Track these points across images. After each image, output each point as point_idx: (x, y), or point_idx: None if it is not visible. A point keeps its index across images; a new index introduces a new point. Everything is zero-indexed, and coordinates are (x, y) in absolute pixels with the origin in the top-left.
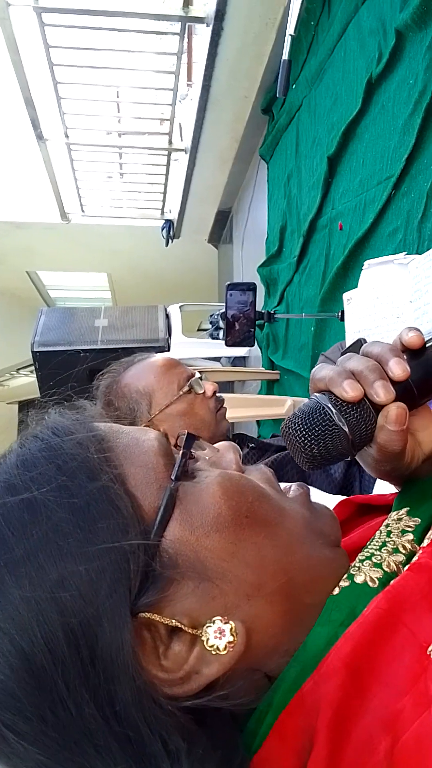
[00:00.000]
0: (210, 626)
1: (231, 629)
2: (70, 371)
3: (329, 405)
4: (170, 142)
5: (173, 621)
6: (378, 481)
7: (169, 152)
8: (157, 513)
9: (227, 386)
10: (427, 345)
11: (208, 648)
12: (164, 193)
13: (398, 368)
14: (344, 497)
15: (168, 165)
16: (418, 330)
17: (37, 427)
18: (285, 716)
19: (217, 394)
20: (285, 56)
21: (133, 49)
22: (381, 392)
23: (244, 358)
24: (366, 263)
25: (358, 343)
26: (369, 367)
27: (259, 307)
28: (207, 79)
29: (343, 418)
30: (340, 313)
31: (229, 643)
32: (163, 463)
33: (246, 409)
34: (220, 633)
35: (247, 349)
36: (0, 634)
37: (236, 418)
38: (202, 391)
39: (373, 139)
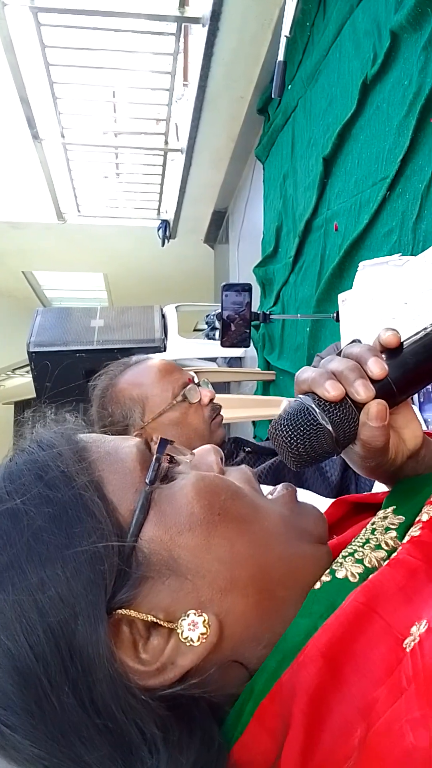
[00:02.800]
0: (184, 619)
1: (204, 621)
2: (67, 371)
3: (313, 405)
4: (166, 142)
5: (149, 616)
6: (376, 483)
7: (165, 152)
8: (132, 515)
9: (223, 387)
10: (404, 344)
11: (183, 640)
12: (160, 193)
13: (376, 367)
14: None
15: (164, 165)
16: (395, 330)
17: (25, 441)
18: (265, 703)
19: (214, 402)
20: (280, 57)
21: (129, 49)
22: (361, 390)
23: (240, 358)
24: (361, 264)
25: (353, 344)
26: (349, 367)
27: (255, 307)
28: (203, 79)
29: (327, 417)
30: (335, 314)
31: (202, 634)
32: (140, 468)
33: (242, 409)
34: (193, 625)
35: (242, 349)
36: None
37: (232, 418)
38: (196, 401)
39: (368, 140)
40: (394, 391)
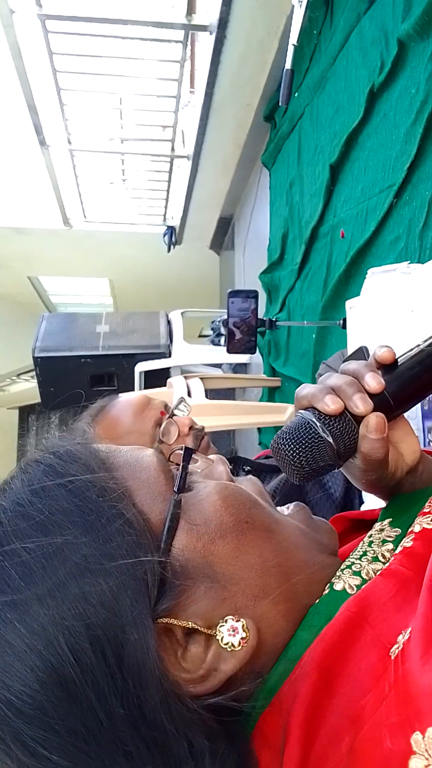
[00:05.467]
0: (223, 625)
1: (243, 626)
2: (71, 377)
3: (314, 419)
4: (173, 149)
5: (189, 623)
6: (367, 500)
7: (172, 159)
8: (164, 525)
9: (228, 393)
10: (398, 360)
11: (224, 646)
12: (166, 199)
13: (374, 381)
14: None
15: (170, 171)
16: (389, 347)
17: (37, 452)
18: (265, 716)
19: (195, 427)
20: (288, 65)
21: (136, 57)
22: (360, 404)
23: (245, 364)
24: (369, 272)
25: (360, 351)
26: (347, 382)
27: (261, 314)
28: (209, 86)
29: (327, 430)
30: (341, 321)
31: (243, 639)
32: (164, 477)
33: (247, 416)
34: (233, 631)
35: (248, 356)
36: (27, 651)
37: (237, 425)
38: (174, 439)
39: (374, 147)
40: (391, 404)
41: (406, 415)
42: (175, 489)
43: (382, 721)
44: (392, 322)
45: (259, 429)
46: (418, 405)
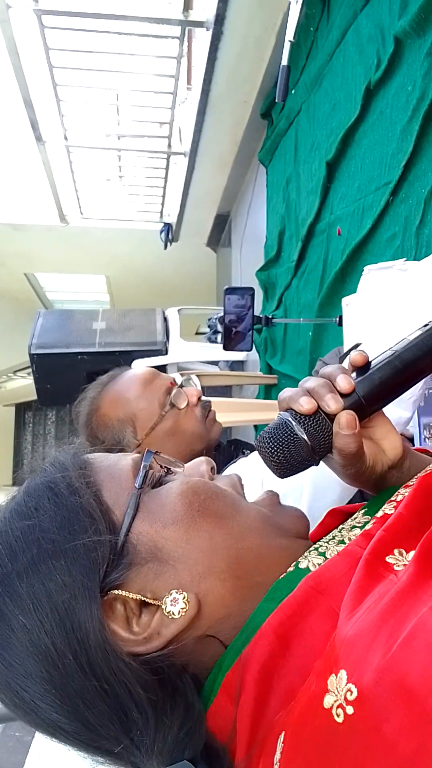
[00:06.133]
0: (168, 597)
1: (184, 598)
2: (68, 374)
3: (290, 419)
4: (169, 146)
5: (138, 595)
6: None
7: (169, 155)
8: (124, 514)
9: (225, 390)
10: (371, 363)
11: (167, 614)
12: (163, 196)
13: (344, 382)
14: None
15: (167, 168)
16: (362, 351)
17: (44, 464)
18: (229, 675)
19: (203, 398)
20: (284, 62)
21: (132, 53)
22: (331, 403)
23: (242, 362)
24: (366, 269)
25: (355, 348)
26: (320, 384)
27: (258, 311)
28: (206, 83)
29: (303, 429)
30: (337, 319)
31: (182, 609)
32: (133, 476)
33: (243, 413)
34: (174, 602)
35: (245, 353)
36: (10, 616)
37: (234, 422)
38: (185, 405)
39: (371, 144)
40: (362, 403)
41: (404, 413)
42: (136, 485)
43: (315, 671)
44: (388, 319)
45: (255, 426)
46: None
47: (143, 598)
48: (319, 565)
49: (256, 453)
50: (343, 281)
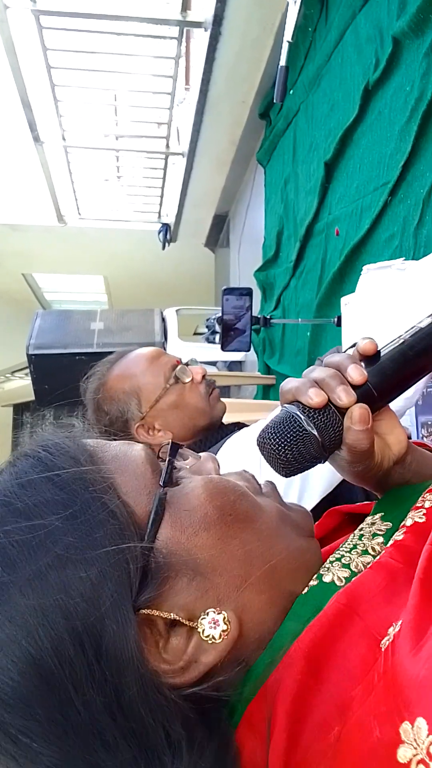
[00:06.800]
0: (204, 618)
1: (224, 618)
2: (66, 374)
3: (298, 413)
4: (167, 146)
5: (171, 615)
6: None
7: (167, 156)
8: (148, 517)
9: (223, 391)
10: (381, 351)
11: (205, 638)
12: (161, 196)
13: (356, 373)
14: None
15: (165, 168)
16: (371, 338)
17: (27, 446)
18: (252, 706)
19: (207, 377)
20: (282, 62)
21: (131, 53)
22: (343, 396)
23: (240, 362)
24: (365, 268)
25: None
26: (330, 374)
27: (256, 311)
28: (205, 83)
29: (312, 423)
30: (336, 319)
31: (223, 631)
32: (151, 470)
33: (241, 413)
34: (214, 623)
35: (243, 353)
36: (9, 642)
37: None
38: (189, 380)
39: (369, 145)
40: (375, 395)
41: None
42: (161, 483)
43: (371, 711)
44: (387, 319)
45: None
46: (414, 402)
47: (177, 618)
48: (345, 578)
49: (247, 429)
50: (342, 281)
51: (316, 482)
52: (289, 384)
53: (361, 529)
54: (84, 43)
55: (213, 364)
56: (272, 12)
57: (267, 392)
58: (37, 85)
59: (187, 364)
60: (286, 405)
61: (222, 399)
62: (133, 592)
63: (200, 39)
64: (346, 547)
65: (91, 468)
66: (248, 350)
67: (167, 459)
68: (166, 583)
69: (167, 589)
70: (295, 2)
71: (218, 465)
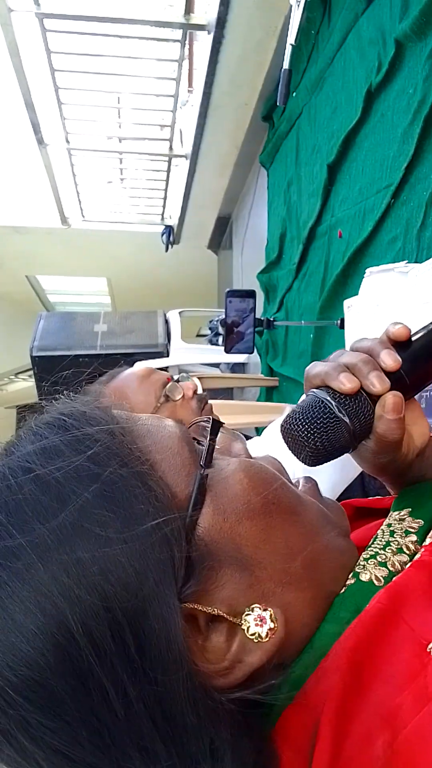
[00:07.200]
0: (249, 614)
1: (271, 615)
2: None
3: (328, 398)
4: (171, 148)
5: (215, 610)
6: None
7: (170, 158)
8: (189, 499)
9: (226, 393)
10: (412, 338)
11: (250, 636)
12: (164, 198)
13: (390, 359)
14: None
15: (168, 171)
16: (403, 323)
17: (47, 415)
18: (289, 713)
19: (198, 393)
20: (285, 65)
21: (134, 56)
22: (377, 382)
23: (243, 364)
24: (368, 271)
25: None
26: (362, 359)
27: (259, 313)
28: (208, 85)
29: (344, 410)
30: (339, 321)
31: (271, 629)
32: (188, 449)
33: (245, 416)
34: (260, 620)
35: (246, 355)
36: (36, 632)
37: (235, 425)
38: (180, 397)
39: (372, 147)
40: (407, 383)
41: None
42: (202, 463)
43: (430, 720)
44: (390, 321)
45: (257, 428)
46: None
47: (221, 614)
48: (384, 578)
49: (258, 438)
50: (345, 284)
51: (323, 479)
52: (317, 368)
53: (390, 525)
54: (87, 45)
55: (216, 365)
56: (275, 15)
57: (270, 394)
58: (41, 87)
59: (178, 381)
60: (314, 390)
61: (225, 401)
62: (178, 583)
63: (203, 42)
64: (378, 544)
65: (127, 440)
66: (252, 352)
67: (208, 438)
68: (209, 575)
69: (210, 581)
70: (298, 5)
71: (245, 444)
